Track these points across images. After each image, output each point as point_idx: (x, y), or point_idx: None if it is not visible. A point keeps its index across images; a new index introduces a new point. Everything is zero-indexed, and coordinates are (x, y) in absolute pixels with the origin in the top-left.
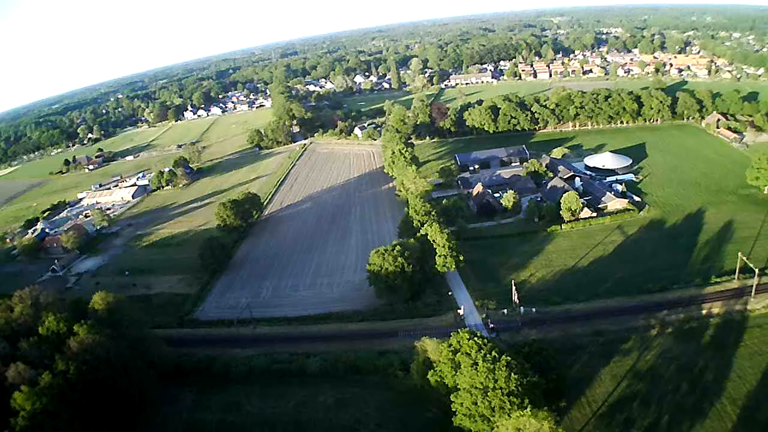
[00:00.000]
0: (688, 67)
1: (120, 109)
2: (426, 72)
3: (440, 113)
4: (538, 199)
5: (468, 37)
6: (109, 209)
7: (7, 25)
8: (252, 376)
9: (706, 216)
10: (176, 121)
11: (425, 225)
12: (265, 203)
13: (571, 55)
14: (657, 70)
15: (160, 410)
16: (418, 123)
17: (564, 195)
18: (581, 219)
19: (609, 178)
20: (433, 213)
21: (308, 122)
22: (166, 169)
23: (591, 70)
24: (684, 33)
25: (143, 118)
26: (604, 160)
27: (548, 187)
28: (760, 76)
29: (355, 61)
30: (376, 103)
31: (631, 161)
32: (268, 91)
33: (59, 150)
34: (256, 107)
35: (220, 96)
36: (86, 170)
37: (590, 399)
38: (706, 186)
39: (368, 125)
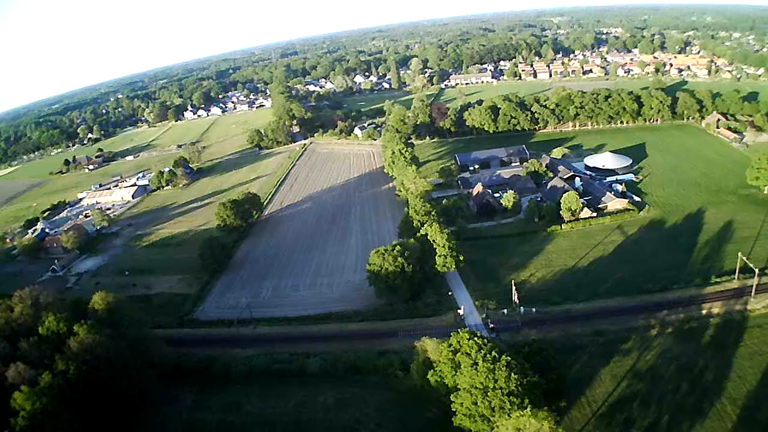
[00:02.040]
0: (688, 67)
1: (120, 109)
2: (426, 72)
3: (440, 113)
4: (538, 199)
5: (468, 37)
6: (109, 209)
7: (7, 25)
8: (252, 376)
9: (706, 216)
10: (176, 121)
11: (425, 225)
12: (265, 203)
13: (571, 55)
14: (657, 70)
15: (160, 410)
16: (418, 123)
17: (564, 195)
18: (581, 219)
19: (609, 178)
20: (433, 213)
21: (308, 122)
22: (166, 169)
23: (591, 70)
24: (684, 33)
25: (143, 118)
26: (604, 160)
27: (548, 187)
28: (760, 76)
29: (355, 61)
30: (376, 103)
31: (631, 161)
32: (268, 91)
33: (59, 150)
34: (256, 107)
35: (220, 96)
36: (86, 170)
37: (590, 399)
38: (706, 186)
39: (368, 125)
